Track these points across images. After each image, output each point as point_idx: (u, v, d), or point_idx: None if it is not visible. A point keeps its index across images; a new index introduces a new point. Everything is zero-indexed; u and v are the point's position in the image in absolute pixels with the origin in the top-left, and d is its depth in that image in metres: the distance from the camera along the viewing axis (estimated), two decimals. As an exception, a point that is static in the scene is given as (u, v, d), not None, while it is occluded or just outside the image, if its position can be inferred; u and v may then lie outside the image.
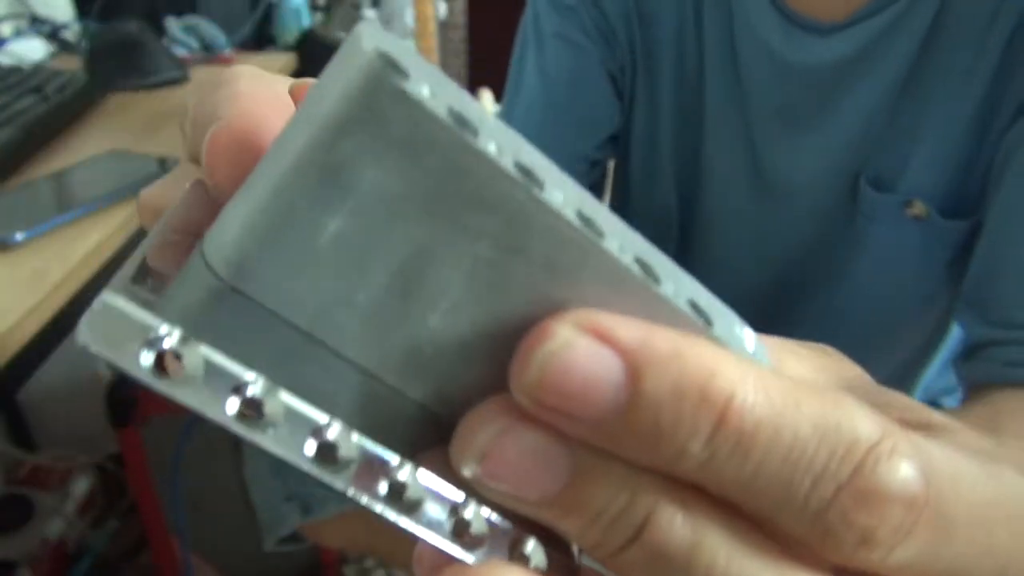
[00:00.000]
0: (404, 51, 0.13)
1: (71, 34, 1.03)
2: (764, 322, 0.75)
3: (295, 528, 0.75)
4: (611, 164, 0.80)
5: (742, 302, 0.73)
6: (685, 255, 0.74)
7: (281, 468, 0.75)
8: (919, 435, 0.16)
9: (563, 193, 0.14)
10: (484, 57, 4.09)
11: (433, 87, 0.13)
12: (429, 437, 0.17)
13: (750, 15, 0.59)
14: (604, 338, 0.14)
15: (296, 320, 0.15)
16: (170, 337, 0.14)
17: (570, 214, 0.14)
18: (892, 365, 0.71)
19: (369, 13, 1.98)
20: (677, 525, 0.15)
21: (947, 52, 0.54)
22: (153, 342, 0.14)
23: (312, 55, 1.09)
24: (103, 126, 0.76)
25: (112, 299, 0.14)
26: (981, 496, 0.16)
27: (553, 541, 0.17)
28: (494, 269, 0.15)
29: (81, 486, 1.37)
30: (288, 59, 1.08)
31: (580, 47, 0.67)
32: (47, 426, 1.46)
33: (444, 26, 1.84)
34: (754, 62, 0.61)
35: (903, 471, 0.15)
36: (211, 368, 0.14)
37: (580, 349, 0.14)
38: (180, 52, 1.05)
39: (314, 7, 1.43)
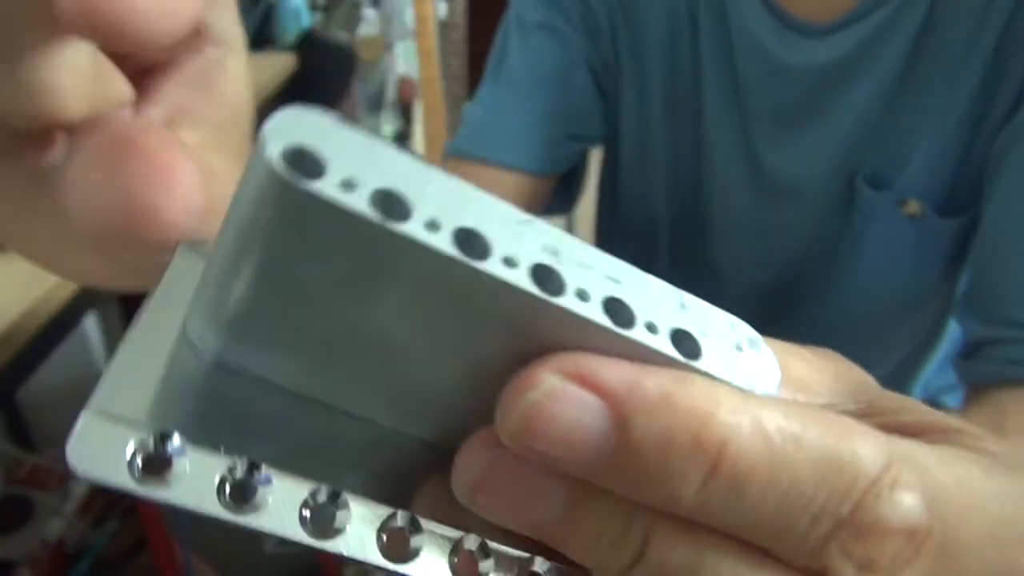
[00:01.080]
0: (323, 134, 0.13)
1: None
2: (763, 322, 0.74)
3: None
4: (596, 169, 0.80)
5: (741, 303, 0.75)
6: (678, 260, 0.74)
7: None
8: (929, 450, 0.16)
9: (514, 249, 0.14)
10: (484, 57, 4.12)
11: (355, 170, 0.13)
12: (436, 467, 0.17)
13: (745, 17, 0.59)
14: (589, 384, 0.14)
15: (285, 383, 0.16)
16: (148, 446, 0.14)
17: (518, 276, 0.14)
18: (891, 363, 0.71)
19: (369, 13, 1.98)
20: (676, 546, 0.15)
21: (939, 51, 0.54)
22: (134, 456, 0.14)
23: (312, 55, 1.09)
24: (103, 126, 0.76)
25: (89, 419, 0.15)
26: (996, 515, 0.16)
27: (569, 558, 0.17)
28: (457, 333, 0.15)
29: (81, 486, 1.37)
30: (288, 59, 1.08)
31: (564, 38, 0.67)
32: (47, 426, 1.46)
33: (444, 26, 1.84)
34: (750, 64, 0.61)
35: (904, 503, 0.15)
36: (194, 465, 0.15)
37: (564, 397, 0.14)
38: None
39: (314, 7, 1.43)
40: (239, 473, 0.15)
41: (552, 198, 0.75)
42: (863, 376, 0.20)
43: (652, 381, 0.14)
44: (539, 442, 0.14)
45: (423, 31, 1.73)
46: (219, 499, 0.15)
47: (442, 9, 1.85)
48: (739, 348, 0.16)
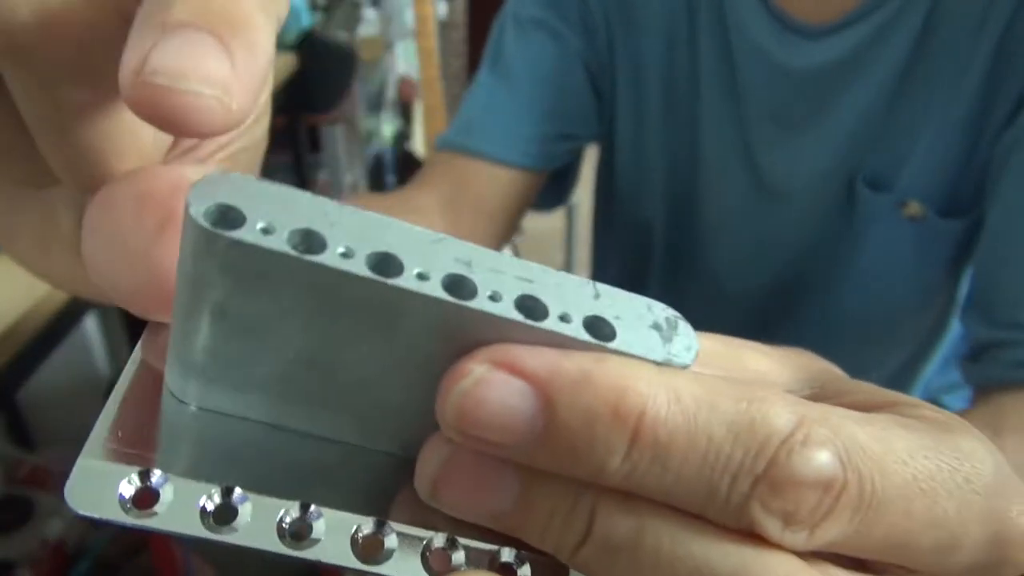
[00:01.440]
0: (242, 191, 0.15)
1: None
2: (762, 325, 0.75)
3: None
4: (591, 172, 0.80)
5: (739, 305, 0.74)
6: (674, 260, 0.74)
7: None
8: (848, 412, 0.17)
9: (427, 264, 0.15)
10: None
11: (272, 217, 0.15)
12: (406, 478, 0.19)
13: (743, 18, 0.59)
14: (514, 370, 0.16)
15: (260, 417, 0.18)
16: (136, 482, 0.17)
17: (430, 288, 0.15)
18: (893, 364, 0.71)
19: (369, 13, 1.98)
20: (619, 520, 0.16)
21: (939, 53, 0.54)
22: (124, 493, 0.17)
23: (312, 55, 1.09)
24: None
25: (83, 464, 0.18)
26: (920, 467, 0.17)
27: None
28: (395, 348, 0.16)
29: (81, 486, 1.37)
30: (288, 59, 1.08)
31: (561, 37, 0.67)
32: (47, 426, 1.46)
33: (444, 26, 1.84)
34: (749, 66, 0.61)
35: (817, 458, 0.16)
36: (178, 494, 0.17)
37: (492, 383, 0.16)
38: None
39: (314, 7, 1.43)
40: (217, 497, 0.17)
41: (545, 193, 0.75)
42: (825, 365, 0.21)
43: (571, 362, 0.16)
44: (474, 428, 0.16)
45: (423, 31, 1.73)
46: (202, 522, 0.17)
47: (442, 9, 1.85)
48: (656, 327, 0.17)
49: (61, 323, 0.47)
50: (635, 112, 0.69)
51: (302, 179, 1.29)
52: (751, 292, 0.69)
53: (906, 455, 0.17)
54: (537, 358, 0.16)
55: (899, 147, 0.57)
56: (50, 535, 1.28)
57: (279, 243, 0.14)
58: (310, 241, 0.15)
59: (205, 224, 0.14)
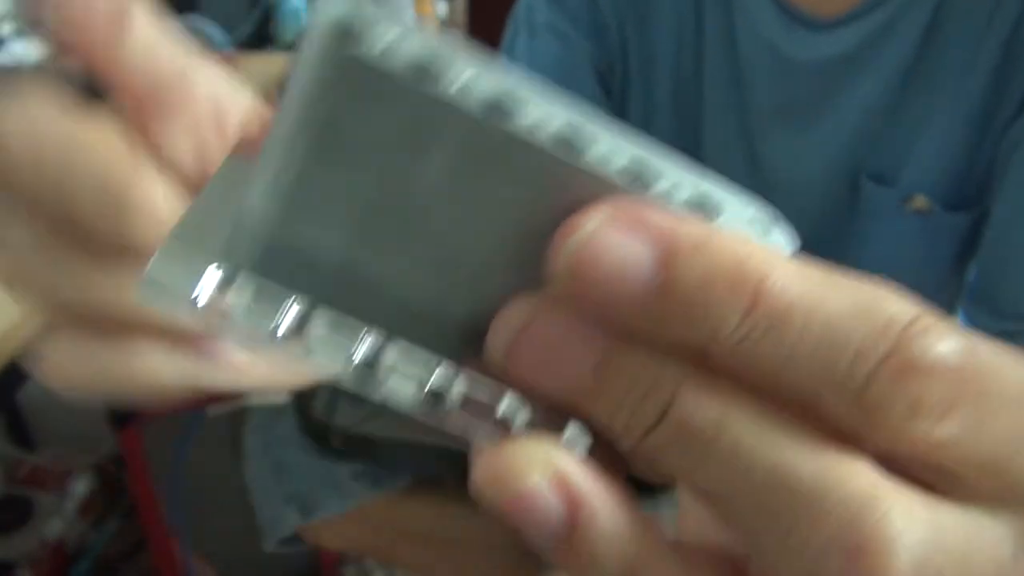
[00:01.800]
0: (364, 14, 0.14)
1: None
2: None
3: (295, 530, 0.75)
4: None
5: None
6: None
7: (282, 469, 0.75)
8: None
9: (538, 115, 0.15)
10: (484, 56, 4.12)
11: (394, 41, 0.14)
12: (473, 350, 0.18)
13: (751, 12, 0.59)
14: (636, 225, 0.15)
15: (333, 259, 0.17)
16: (214, 277, 0.16)
17: (542, 137, 0.15)
18: None
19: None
20: (702, 404, 0.15)
21: (947, 46, 0.54)
22: (202, 286, 0.16)
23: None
24: (103, 126, 0.76)
25: (165, 251, 0.16)
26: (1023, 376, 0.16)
27: (598, 434, 0.17)
28: (489, 197, 0.16)
29: (81, 486, 1.37)
30: (288, 59, 1.08)
31: (569, 40, 0.67)
32: (47, 426, 1.46)
33: (444, 26, 1.84)
34: (755, 59, 0.61)
35: (944, 344, 0.15)
36: (258, 297, 0.16)
37: (611, 235, 0.15)
38: (180, 52, 1.05)
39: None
40: (296, 308, 0.16)
41: None
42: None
43: (695, 223, 0.15)
44: (588, 280, 0.15)
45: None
46: (272, 334, 0.16)
47: (442, 9, 1.85)
48: (757, 219, 0.17)
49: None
50: (644, 106, 0.69)
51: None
52: None
53: (1013, 362, 0.16)
54: (660, 215, 0.15)
55: (904, 141, 0.57)
56: (50, 535, 1.28)
57: (400, 65, 0.14)
58: (425, 71, 0.14)
59: (329, 34, 0.14)
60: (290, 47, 1.30)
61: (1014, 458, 0.16)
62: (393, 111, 0.15)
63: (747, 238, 0.16)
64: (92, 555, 1.34)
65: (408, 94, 0.14)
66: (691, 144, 0.68)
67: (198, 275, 0.16)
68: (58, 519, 1.30)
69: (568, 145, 0.15)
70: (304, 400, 0.67)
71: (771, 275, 0.15)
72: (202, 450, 1.13)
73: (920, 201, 0.57)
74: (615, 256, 0.15)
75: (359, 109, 0.15)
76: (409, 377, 0.17)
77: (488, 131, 0.15)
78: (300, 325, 0.17)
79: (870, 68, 0.57)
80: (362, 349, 0.17)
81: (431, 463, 0.61)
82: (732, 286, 0.15)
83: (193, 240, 0.17)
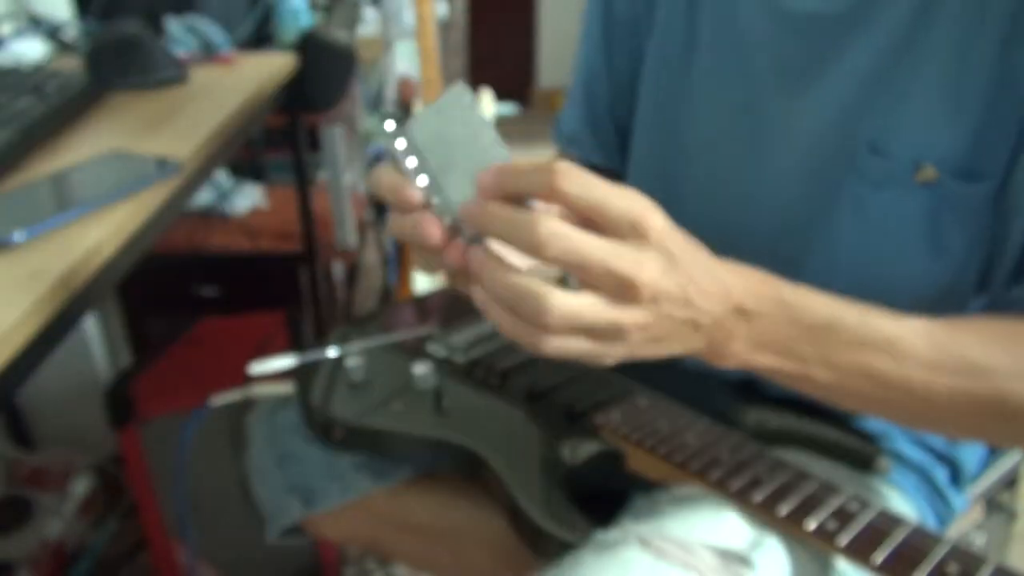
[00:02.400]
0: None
1: (71, 34, 1.03)
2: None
3: (297, 521, 0.76)
4: None
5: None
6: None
7: (285, 460, 0.75)
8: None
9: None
10: (484, 57, 4.10)
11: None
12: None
13: None
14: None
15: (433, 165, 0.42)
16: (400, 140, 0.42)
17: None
18: None
19: (369, 13, 1.97)
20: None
21: (950, 9, 0.52)
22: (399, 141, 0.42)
23: (312, 55, 1.09)
24: (103, 126, 0.76)
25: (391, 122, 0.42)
26: (701, 254, 0.40)
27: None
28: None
29: (81, 486, 1.37)
30: (288, 59, 1.08)
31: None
32: (47, 426, 1.46)
33: (444, 26, 1.84)
34: (754, 14, 0.60)
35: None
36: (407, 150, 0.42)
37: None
38: (180, 52, 1.05)
39: (314, 6, 1.43)
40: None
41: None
42: None
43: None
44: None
45: (423, 31, 1.73)
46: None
47: (442, 9, 1.85)
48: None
49: (61, 323, 0.47)
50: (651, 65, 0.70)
51: (302, 179, 1.29)
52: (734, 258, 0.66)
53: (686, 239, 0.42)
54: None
55: (900, 106, 0.55)
56: (50, 535, 1.28)
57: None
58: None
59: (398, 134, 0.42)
60: (290, 47, 1.30)
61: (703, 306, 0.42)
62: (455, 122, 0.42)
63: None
64: (92, 555, 1.34)
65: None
66: (677, 102, 0.67)
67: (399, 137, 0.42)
68: (58, 519, 1.30)
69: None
70: (307, 392, 0.68)
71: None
72: (202, 450, 1.13)
73: (928, 172, 0.55)
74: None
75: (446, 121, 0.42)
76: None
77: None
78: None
79: (870, 28, 0.54)
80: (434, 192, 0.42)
81: (431, 456, 0.62)
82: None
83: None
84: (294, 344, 1.18)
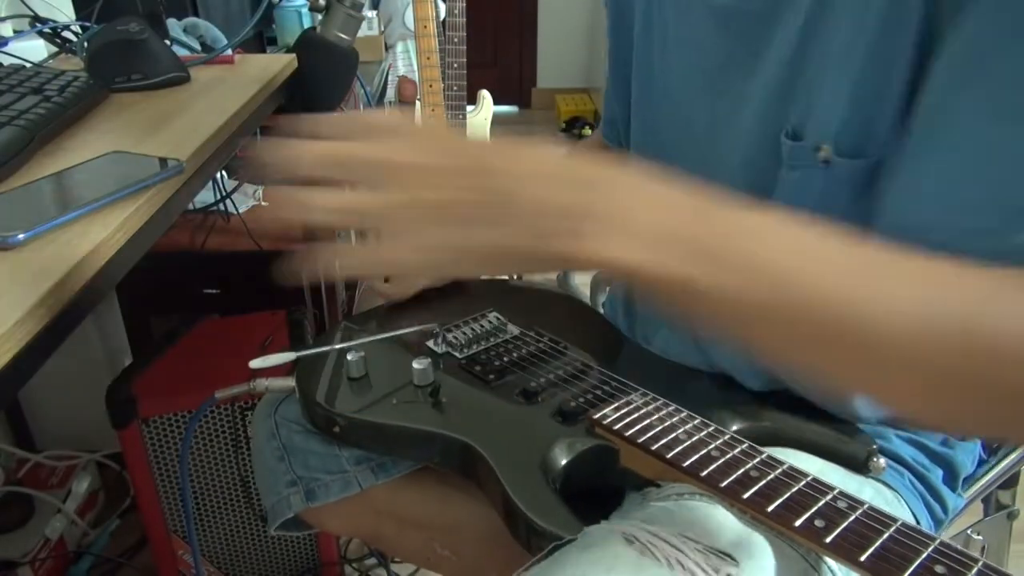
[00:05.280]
0: None
1: (72, 34, 1.03)
2: None
3: (298, 514, 0.76)
4: None
5: None
6: None
7: (286, 453, 0.75)
8: None
9: None
10: (484, 57, 4.09)
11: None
12: None
13: None
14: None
15: None
16: None
17: None
18: None
19: (369, 14, 1.98)
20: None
21: None
22: None
23: (312, 55, 1.09)
24: (104, 126, 0.76)
25: None
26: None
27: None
28: None
29: (81, 485, 1.37)
30: (288, 59, 1.08)
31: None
32: (47, 426, 1.46)
33: (444, 26, 1.84)
34: (695, 14, 0.63)
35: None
36: None
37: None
38: (180, 52, 1.05)
39: (314, 7, 1.43)
40: None
41: None
42: None
43: None
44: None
45: (423, 31, 1.73)
46: None
47: (442, 9, 1.85)
48: None
49: (61, 323, 0.47)
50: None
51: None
52: None
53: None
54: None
55: (811, 92, 0.55)
56: (50, 535, 1.28)
57: None
58: None
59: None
60: (290, 48, 1.30)
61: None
62: None
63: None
64: (92, 555, 1.34)
65: None
66: (646, 99, 0.69)
67: None
68: (58, 518, 1.30)
69: None
70: (308, 386, 0.68)
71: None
72: (202, 450, 1.13)
73: (825, 151, 0.56)
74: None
75: None
76: None
77: None
78: None
79: (783, 19, 0.56)
80: None
81: (428, 450, 0.62)
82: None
83: None
84: (295, 343, 1.18)
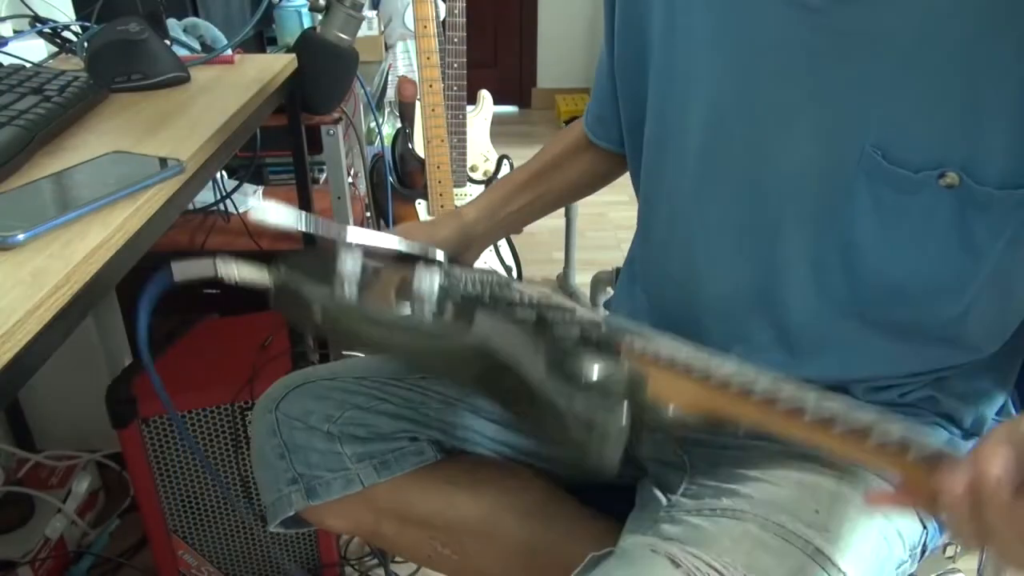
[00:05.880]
0: None
1: (72, 34, 1.03)
2: (742, 319, 0.75)
3: (298, 512, 0.76)
4: None
5: (717, 290, 0.72)
6: (653, 263, 0.74)
7: (287, 451, 0.75)
8: None
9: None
10: (484, 57, 4.09)
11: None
12: None
13: None
14: None
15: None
16: None
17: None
18: (960, 375, 0.65)
19: (369, 14, 1.98)
20: None
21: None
22: None
23: (312, 55, 1.09)
24: (104, 126, 0.76)
25: None
26: None
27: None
28: None
29: (82, 485, 1.37)
30: (288, 59, 1.08)
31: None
32: (47, 426, 1.46)
33: (444, 26, 1.84)
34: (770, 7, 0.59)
35: None
36: None
37: None
38: (181, 52, 1.05)
39: (314, 7, 1.43)
40: None
41: None
42: None
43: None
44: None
45: (423, 31, 1.73)
46: None
47: (442, 9, 1.85)
48: None
49: (61, 323, 0.47)
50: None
51: (302, 179, 1.29)
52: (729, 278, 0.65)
53: None
54: None
55: (920, 117, 0.53)
56: (50, 535, 1.28)
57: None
58: None
59: None
60: (290, 47, 1.30)
61: None
62: None
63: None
64: (92, 555, 1.34)
65: None
66: (667, 90, 0.67)
67: None
68: (58, 518, 1.30)
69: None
70: (310, 382, 0.67)
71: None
72: (202, 450, 1.13)
73: (950, 177, 0.54)
74: None
75: None
76: None
77: None
78: None
79: (885, 29, 0.53)
80: None
81: (432, 357, 0.57)
82: None
83: None
84: (294, 344, 1.18)
